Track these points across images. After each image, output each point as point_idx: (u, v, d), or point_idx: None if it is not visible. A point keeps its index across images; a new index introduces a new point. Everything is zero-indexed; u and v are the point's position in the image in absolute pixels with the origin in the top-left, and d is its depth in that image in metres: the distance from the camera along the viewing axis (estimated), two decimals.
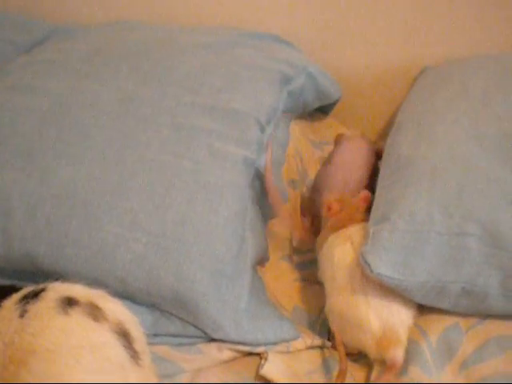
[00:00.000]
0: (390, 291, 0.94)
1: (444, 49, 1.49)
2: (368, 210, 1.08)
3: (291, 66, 1.33)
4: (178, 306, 0.96)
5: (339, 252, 1.00)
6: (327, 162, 1.25)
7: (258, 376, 0.95)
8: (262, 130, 1.17)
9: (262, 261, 1.11)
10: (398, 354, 0.93)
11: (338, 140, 1.32)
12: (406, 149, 1.07)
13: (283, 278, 1.14)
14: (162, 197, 1.01)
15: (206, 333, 0.97)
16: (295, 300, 1.11)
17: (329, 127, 1.52)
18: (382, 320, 0.94)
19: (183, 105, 1.14)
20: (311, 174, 1.36)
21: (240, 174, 1.07)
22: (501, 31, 1.44)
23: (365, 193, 1.11)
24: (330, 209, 1.09)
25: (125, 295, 0.95)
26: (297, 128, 1.39)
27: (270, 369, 0.95)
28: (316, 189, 1.22)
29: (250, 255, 1.03)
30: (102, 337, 0.77)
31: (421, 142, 1.07)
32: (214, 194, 1.03)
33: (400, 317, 0.95)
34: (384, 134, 1.57)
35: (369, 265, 0.92)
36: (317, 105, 1.42)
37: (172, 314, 0.98)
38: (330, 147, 1.37)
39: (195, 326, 0.97)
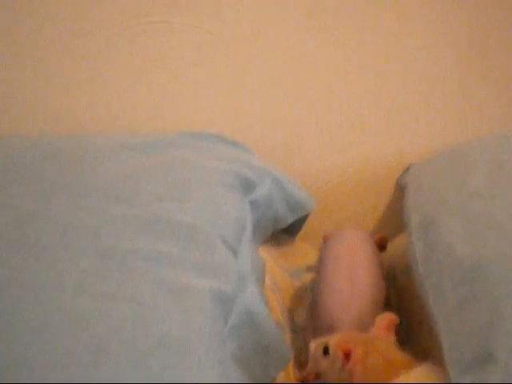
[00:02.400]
0: None
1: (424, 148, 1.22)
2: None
3: (251, 168, 0.99)
4: None
5: None
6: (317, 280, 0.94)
7: None
8: (234, 251, 0.80)
9: None
10: None
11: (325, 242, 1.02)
12: (463, 248, 0.71)
13: None
14: (86, 369, 0.57)
15: None
16: None
17: (300, 252, 1.16)
18: None
19: (110, 221, 0.74)
20: (295, 313, 0.98)
21: (212, 316, 0.67)
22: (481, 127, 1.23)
23: (385, 317, 0.75)
24: (349, 356, 0.70)
25: None
26: (266, 255, 1.01)
27: None
28: (316, 326, 0.85)
29: None
30: None
31: (482, 235, 0.71)
32: (177, 355, 0.61)
33: None
34: None
35: None
36: (290, 219, 1.06)
37: None
38: (309, 276, 1.05)
39: None
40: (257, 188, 0.97)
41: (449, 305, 0.67)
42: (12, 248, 0.69)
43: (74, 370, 0.57)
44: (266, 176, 1.00)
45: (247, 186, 0.95)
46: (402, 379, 0.63)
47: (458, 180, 0.89)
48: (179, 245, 0.73)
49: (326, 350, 0.74)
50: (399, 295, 0.94)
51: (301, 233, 1.17)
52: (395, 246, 1.04)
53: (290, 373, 0.85)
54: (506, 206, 0.75)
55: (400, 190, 1.16)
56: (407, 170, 1.18)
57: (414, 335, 0.85)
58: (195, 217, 0.78)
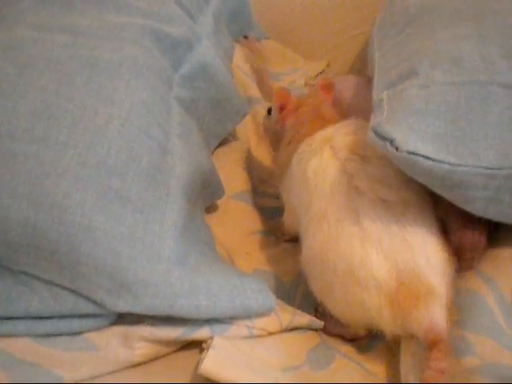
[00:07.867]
0: (402, 208, 0.55)
1: None
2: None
3: None
4: (37, 254, 0.53)
5: (315, 163, 0.61)
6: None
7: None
8: (189, 14, 0.79)
9: (211, 194, 0.72)
10: (432, 314, 0.52)
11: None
12: None
13: (237, 228, 0.73)
14: (13, 78, 0.59)
15: (98, 302, 0.54)
16: (255, 260, 0.69)
17: (287, 58, 1.13)
18: (393, 261, 0.53)
19: None
20: None
21: (151, 50, 0.68)
22: None
23: (322, 79, 0.74)
24: (282, 107, 0.71)
25: None
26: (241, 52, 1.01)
27: (212, 365, 0.52)
28: None
29: (180, 175, 0.64)
30: None
31: None
32: (105, 73, 0.62)
33: (426, 252, 0.54)
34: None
35: (390, 140, 0.51)
36: None
37: (32, 273, 0.54)
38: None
39: (76, 293, 0.54)
40: None
41: (390, 44, 0.67)
42: None
43: (2, 79, 0.59)
44: None
45: None
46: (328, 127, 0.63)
47: None
48: None
49: (269, 110, 0.75)
50: None
51: (293, 41, 1.15)
52: None
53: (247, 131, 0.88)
54: None
55: None
56: None
57: None
58: None
